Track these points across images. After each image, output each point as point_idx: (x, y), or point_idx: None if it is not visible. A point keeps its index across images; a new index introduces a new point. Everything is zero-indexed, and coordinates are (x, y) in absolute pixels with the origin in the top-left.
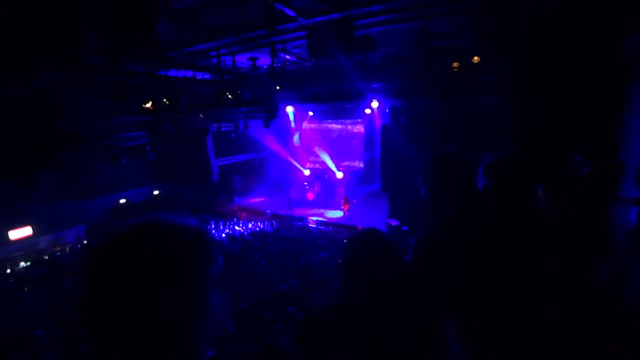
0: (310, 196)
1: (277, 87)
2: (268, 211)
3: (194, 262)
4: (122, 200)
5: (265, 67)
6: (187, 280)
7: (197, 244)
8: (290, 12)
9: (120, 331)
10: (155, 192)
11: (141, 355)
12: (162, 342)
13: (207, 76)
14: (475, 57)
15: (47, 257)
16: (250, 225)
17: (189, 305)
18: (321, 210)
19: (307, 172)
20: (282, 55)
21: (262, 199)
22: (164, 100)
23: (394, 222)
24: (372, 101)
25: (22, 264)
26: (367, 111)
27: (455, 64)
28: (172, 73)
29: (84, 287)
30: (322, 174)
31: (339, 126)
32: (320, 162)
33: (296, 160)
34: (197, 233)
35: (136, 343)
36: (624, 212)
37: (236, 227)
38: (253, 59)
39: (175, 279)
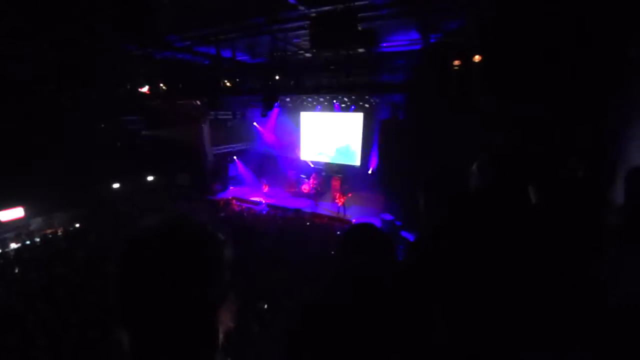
0: (305, 188)
1: (276, 77)
2: (263, 201)
3: (210, 257)
4: (116, 185)
5: (265, 55)
6: (207, 274)
7: (212, 241)
8: (291, 0)
9: (151, 320)
10: (150, 178)
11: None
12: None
13: (206, 62)
14: (477, 56)
15: (38, 240)
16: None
17: (209, 296)
18: (316, 203)
19: (305, 163)
20: (283, 44)
21: (257, 188)
22: (161, 85)
23: (388, 217)
24: (371, 95)
25: (13, 245)
26: (366, 105)
27: (456, 62)
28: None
29: (119, 278)
30: (319, 167)
31: (338, 119)
32: (317, 154)
33: (293, 151)
34: (209, 233)
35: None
36: (613, 212)
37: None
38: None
39: (199, 272)
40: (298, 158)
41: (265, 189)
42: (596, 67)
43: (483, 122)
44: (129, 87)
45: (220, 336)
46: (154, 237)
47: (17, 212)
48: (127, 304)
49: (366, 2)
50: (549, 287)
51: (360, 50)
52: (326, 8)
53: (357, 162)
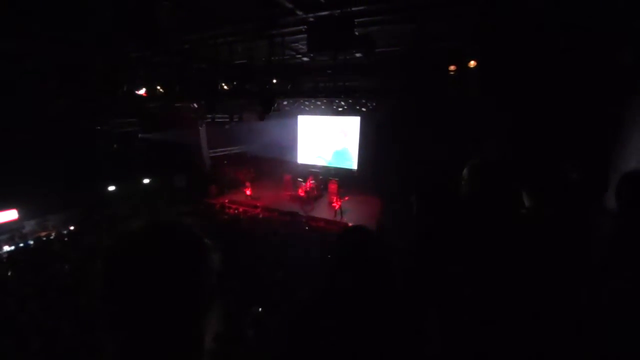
0: (302, 192)
1: (274, 80)
2: (258, 205)
3: (196, 262)
4: (111, 188)
5: (263, 59)
6: (192, 277)
7: (198, 246)
8: (288, 5)
9: (135, 324)
10: (145, 181)
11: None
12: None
13: (204, 66)
14: (472, 62)
15: (32, 242)
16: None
17: (194, 299)
18: (313, 206)
19: (302, 166)
20: (281, 48)
21: (253, 193)
22: (158, 87)
23: (384, 220)
24: (369, 99)
25: (6, 248)
26: (363, 109)
27: (452, 67)
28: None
29: (103, 281)
30: (315, 170)
31: (335, 122)
32: (314, 157)
33: (291, 155)
34: (196, 237)
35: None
36: (606, 219)
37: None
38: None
39: (182, 275)
40: (295, 161)
41: (249, 192)
42: (592, 73)
43: (478, 126)
44: (125, 89)
45: (209, 340)
46: (138, 241)
47: (10, 215)
48: (111, 308)
49: (363, 7)
50: (543, 292)
51: (357, 54)
52: (324, 13)
53: (354, 165)
